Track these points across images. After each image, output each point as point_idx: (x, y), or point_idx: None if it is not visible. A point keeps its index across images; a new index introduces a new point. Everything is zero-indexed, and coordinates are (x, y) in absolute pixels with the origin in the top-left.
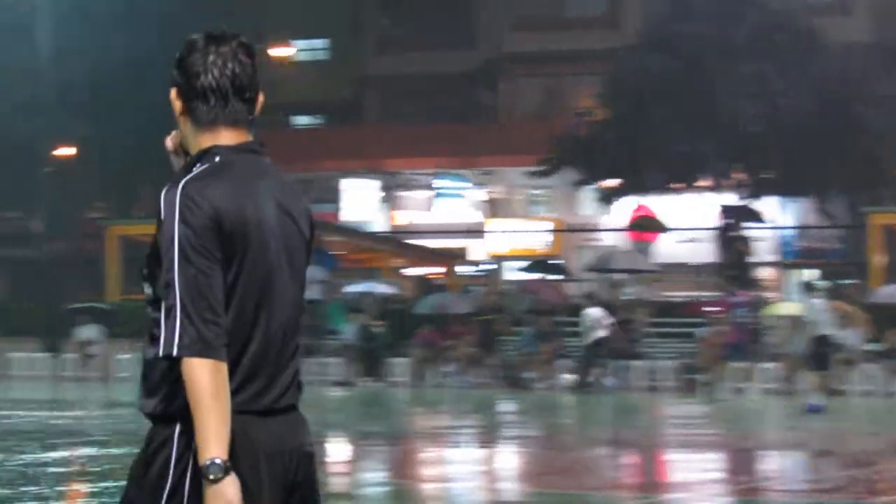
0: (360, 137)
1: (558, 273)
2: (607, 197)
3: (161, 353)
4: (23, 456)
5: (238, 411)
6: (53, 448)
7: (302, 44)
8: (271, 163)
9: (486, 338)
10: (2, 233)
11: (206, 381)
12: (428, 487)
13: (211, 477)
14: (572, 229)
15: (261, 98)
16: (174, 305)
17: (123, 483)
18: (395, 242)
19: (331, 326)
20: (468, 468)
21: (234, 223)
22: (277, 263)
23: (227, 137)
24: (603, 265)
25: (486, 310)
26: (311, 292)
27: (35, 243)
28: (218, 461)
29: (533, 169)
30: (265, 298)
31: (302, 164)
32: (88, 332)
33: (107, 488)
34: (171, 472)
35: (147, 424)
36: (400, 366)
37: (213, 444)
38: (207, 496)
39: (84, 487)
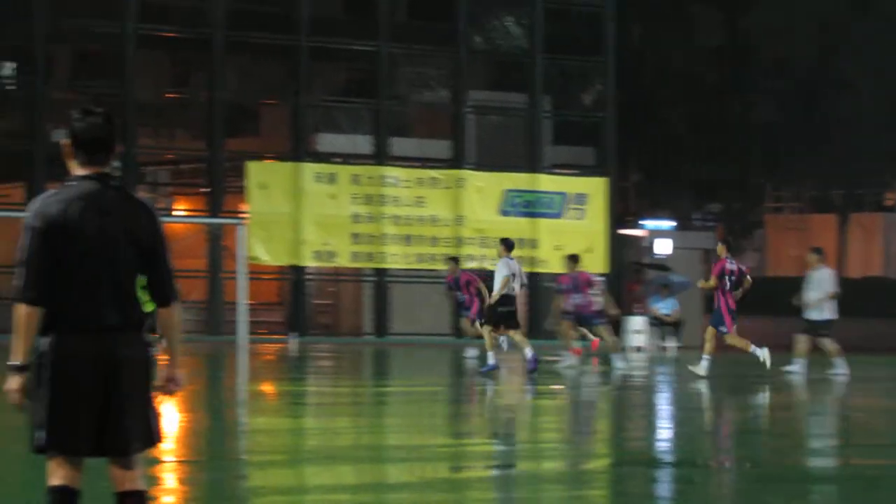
0: None
1: None
2: None
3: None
4: None
5: (61, 331)
6: None
7: None
8: (119, 187)
9: None
10: None
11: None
12: None
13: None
14: None
15: (117, 148)
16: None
17: None
18: None
19: None
20: None
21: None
22: (87, 246)
23: (82, 170)
24: None
25: None
26: None
27: None
28: (11, 363)
29: None
30: (76, 266)
31: None
32: None
33: None
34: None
35: None
36: None
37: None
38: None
39: None
